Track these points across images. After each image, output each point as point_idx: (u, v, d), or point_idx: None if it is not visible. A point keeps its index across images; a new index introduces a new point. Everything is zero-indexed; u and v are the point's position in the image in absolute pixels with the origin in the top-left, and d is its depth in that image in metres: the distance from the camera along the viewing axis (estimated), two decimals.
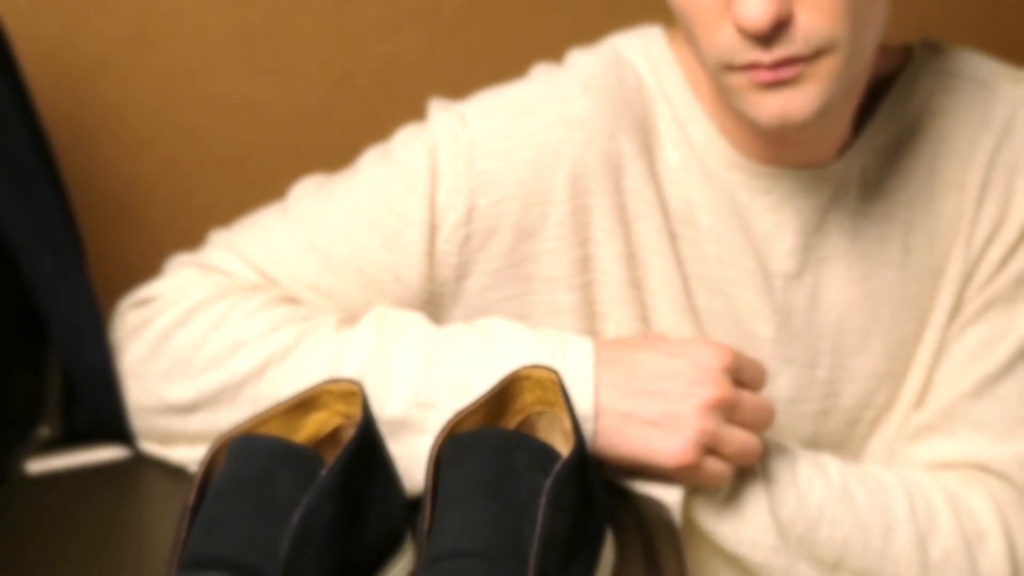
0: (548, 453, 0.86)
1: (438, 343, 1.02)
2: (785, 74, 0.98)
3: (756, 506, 1.03)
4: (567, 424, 0.92)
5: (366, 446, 0.89)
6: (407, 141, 1.11)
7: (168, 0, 1.48)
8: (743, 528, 1.03)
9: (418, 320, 1.04)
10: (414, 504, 0.92)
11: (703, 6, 0.99)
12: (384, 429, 0.98)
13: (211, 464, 0.87)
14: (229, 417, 1.03)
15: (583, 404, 0.98)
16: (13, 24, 1.42)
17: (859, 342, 1.14)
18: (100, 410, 1.07)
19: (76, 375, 1.06)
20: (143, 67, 1.49)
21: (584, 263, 1.10)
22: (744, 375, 1.01)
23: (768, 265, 1.12)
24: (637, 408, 0.98)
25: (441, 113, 1.11)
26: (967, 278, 1.13)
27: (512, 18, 1.58)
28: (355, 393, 0.92)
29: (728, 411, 0.99)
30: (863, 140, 1.12)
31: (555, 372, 0.93)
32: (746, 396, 1.00)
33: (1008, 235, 1.12)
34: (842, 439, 1.16)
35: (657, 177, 1.11)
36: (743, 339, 1.12)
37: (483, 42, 1.57)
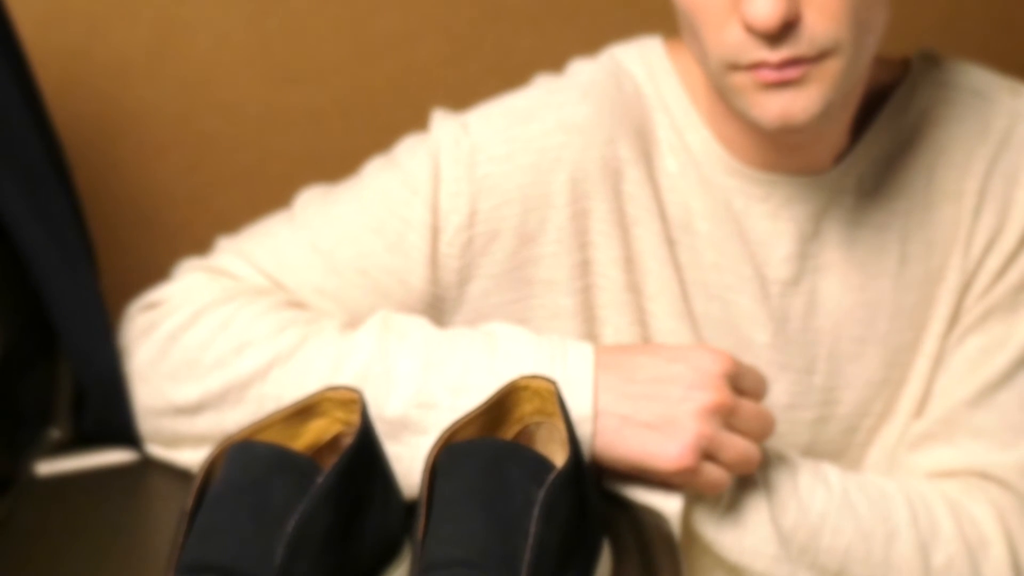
0: (543, 464, 0.86)
1: (440, 345, 1.02)
2: (790, 74, 0.98)
3: (757, 515, 1.03)
4: (565, 435, 0.92)
5: (364, 453, 0.89)
6: (410, 148, 1.12)
7: (187, 9, 1.48)
8: (745, 537, 1.03)
9: (421, 323, 1.05)
10: (413, 507, 0.92)
11: (711, 6, 0.99)
12: (385, 429, 0.99)
13: (210, 470, 0.87)
14: (234, 418, 1.03)
15: (582, 406, 0.98)
16: (35, 31, 1.42)
17: (856, 350, 1.13)
18: (108, 413, 1.07)
19: (84, 379, 1.07)
20: (162, 74, 1.49)
21: (584, 267, 1.11)
22: (744, 383, 1.01)
23: (765, 271, 1.12)
24: (636, 411, 0.98)
25: (443, 121, 1.12)
26: (965, 287, 1.12)
27: (527, 29, 1.58)
28: (355, 401, 0.92)
29: (727, 417, 0.98)
30: (860, 149, 1.12)
31: (553, 383, 0.93)
32: (745, 403, 1.00)
33: (1006, 244, 1.11)
34: (840, 447, 1.15)
35: (655, 183, 1.11)
36: (739, 344, 1.12)
37: (498, 52, 1.57)
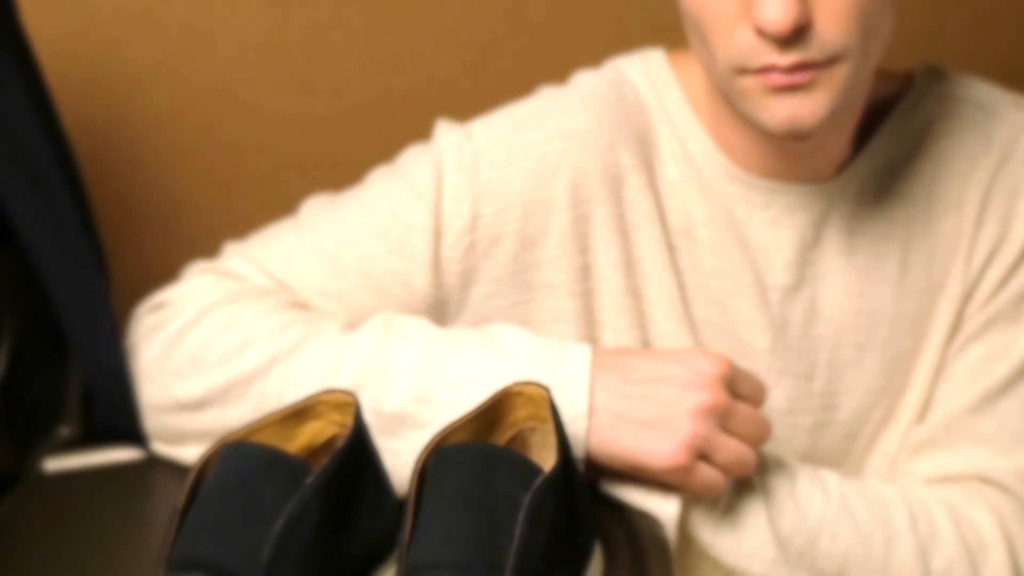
0: (531, 468, 0.86)
1: (439, 343, 1.03)
2: (799, 79, 0.98)
3: (755, 519, 1.03)
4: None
5: (355, 455, 0.89)
6: (414, 156, 1.13)
7: (210, 18, 1.49)
8: (742, 541, 1.03)
9: (422, 323, 1.05)
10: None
11: (721, 8, 0.99)
12: (383, 424, 1.00)
13: (204, 469, 0.88)
14: (236, 414, 1.04)
15: (577, 403, 0.98)
16: (59, 39, 1.45)
17: (855, 356, 1.13)
18: (114, 412, 1.08)
19: (90, 378, 1.08)
20: (184, 82, 1.50)
21: (584, 271, 1.11)
22: (741, 387, 1.00)
23: (765, 278, 1.12)
24: (631, 409, 0.98)
25: (447, 129, 1.13)
26: (967, 297, 1.12)
27: (547, 40, 1.58)
28: (350, 404, 0.92)
29: (722, 418, 0.98)
30: (862, 159, 1.12)
31: (546, 389, 0.93)
32: (741, 407, 1.00)
33: (1008, 254, 1.11)
34: (841, 454, 1.15)
35: (656, 190, 1.12)
36: (739, 350, 1.12)
37: (518, 64, 1.58)
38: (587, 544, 0.91)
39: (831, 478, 1.06)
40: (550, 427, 0.94)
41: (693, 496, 1.01)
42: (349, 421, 0.93)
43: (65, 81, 1.45)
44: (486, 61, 1.58)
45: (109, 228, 1.50)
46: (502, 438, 0.95)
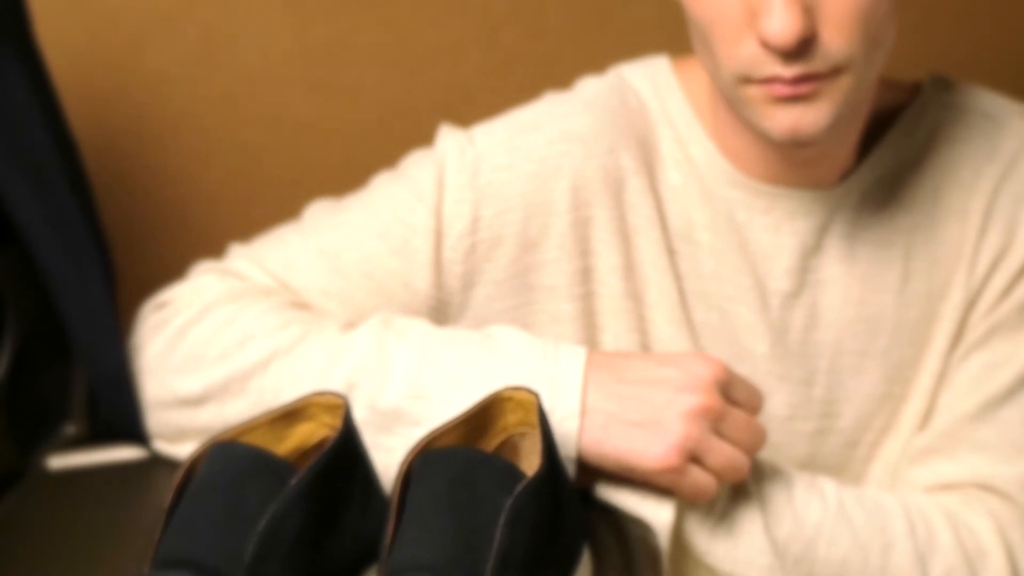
0: (515, 473, 0.86)
1: (436, 341, 1.03)
2: (802, 90, 0.99)
3: (751, 526, 1.02)
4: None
5: (343, 457, 0.89)
6: (417, 160, 1.14)
7: (231, 22, 1.50)
8: (738, 548, 1.02)
9: (421, 323, 1.06)
10: None
11: (726, 18, 0.99)
12: (379, 421, 1.00)
13: (192, 468, 0.89)
14: (235, 410, 1.04)
15: (570, 402, 0.98)
16: (81, 41, 1.46)
17: (856, 364, 1.13)
18: (116, 412, 1.09)
19: (92, 378, 1.09)
20: (206, 85, 1.51)
21: (584, 274, 1.11)
22: (736, 393, 1.00)
23: (765, 283, 1.12)
24: (623, 409, 0.98)
25: (450, 133, 1.14)
26: (970, 305, 1.12)
27: (568, 47, 1.58)
28: (342, 406, 0.93)
29: (715, 422, 0.98)
30: (866, 166, 1.12)
31: (536, 394, 0.93)
32: (736, 412, 0.99)
33: (1013, 263, 1.10)
34: (841, 461, 1.15)
35: (657, 194, 1.12)
36: (738, 354, 1.12)
37: (539, 70, 1.57)
38: (574, 550, 0.91)
39: (828, 485, 1.06)
40: (540, 433, 0.94)
41: (687, 501, 1.00)
42: (340, 423, 0.94)
43: (86, 83, 1.47)
44: (507, 67, 1.58)
45: (129, 230, 1.52)
46: (492, 443, 0.95)
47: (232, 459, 0.87)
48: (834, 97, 0.99)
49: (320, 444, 0.95)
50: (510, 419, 0.94)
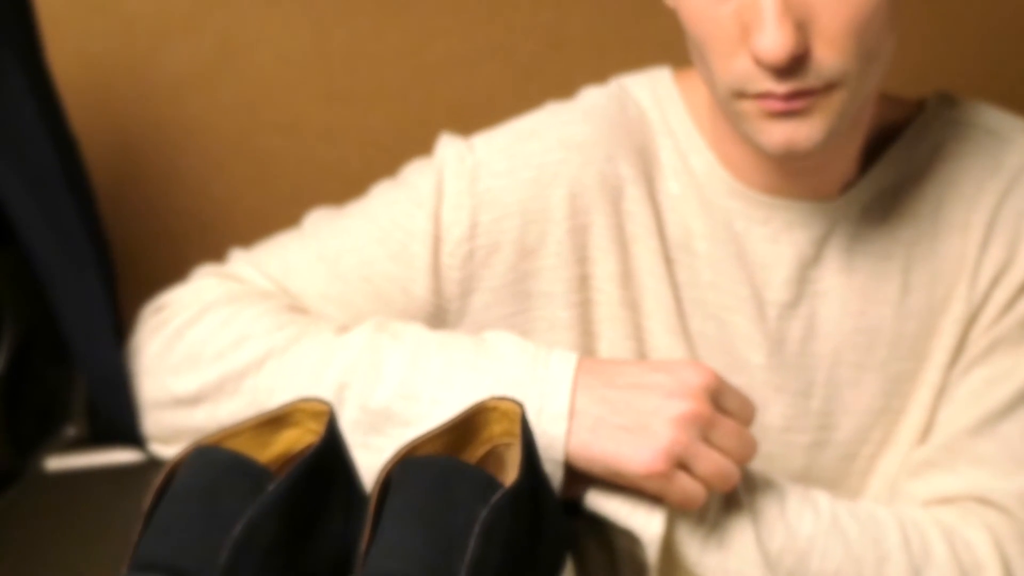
0: (492, 484, 0.86)
1: (429, 343, 1.03)
2: (796, 105, 0.98)
3: (742, 538, 1.01)
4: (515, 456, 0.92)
5: (324, 465, 0.89)
6: (417, 167, 1.15)
7: (249, 28, 1.50)
8: (729, 560, 1.01)
9: (416, 326, 1.06)
10: None
11: (720, 33, 0.99)
12: (370, 421, 1.00)
13: (173, 471, 0.89)
14: (229, 410, 1.05)
15: (559, 404, 0.98)
16: (100, 43, 1.47)
17: (854, 376, 1.12)
18: (113, 414, 1.10)
19: (90, 380, 1.10)
20: (223, 91, 1.51)
21: (582, 281, 1.11)
22: (727, 402, 0.99)
23: (763, 293, 1.11)
24: (612, 413, 0.98)
25: (450, 141, 1.14)
26: (971, 319, 1.11)
27: (590, 57, 1.58)
28: (327, 412, 0.94)
29: (704, 428, 0.97)
30: (867, 180, 1.11)
31: (520, 405, 0.93)
32: (725, 420, 0.98)
33: (1015, 278, 1.09)
34: (839, 474, 1.14)
35: (656, 203, 1.11)
36: (734, 364, 1.11)
37: (559, 81, 1.56)
38: (555, 562, 0.90)
39: (822, 497, 1.05)
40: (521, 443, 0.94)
41: (676, 509, 1.00)
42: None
43: (104, 88, 1.49)
44: (526, 78, 1.58)
45: (145, 234, 1.53)
46: (477, 453, 0.94)
47: (212, 464, 0.87)
48: (828, 112, 0.99)
49: (305, 451, 0.95)
50: (495, 429, 0.94)
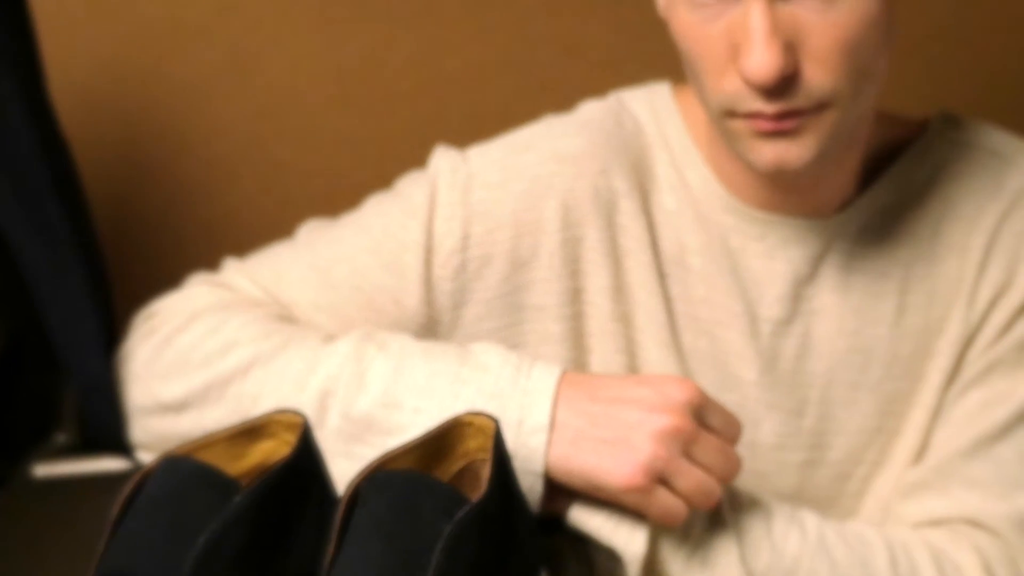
0: (458, 500, 0.85)
1: (415, 352, 1.03)
2: (786, 126, 0.97)
3: (726, 557, 1.00)
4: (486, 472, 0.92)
5: (295, 478, 0.89)
6: (411, 179, 1.14)
7: (263, 35, 1.50)
8: None
9: (403, 337, 1.05)
10: None
11: (710, 51, 0.98)
12: (352, 429, 1.00)
13: (143, 481, 0.89)
14: (214, 417, 1.05)
15: (540, 415, 0.97)
16: (113, 48, 1.48)
17: (848, 395, 1.11)
18: (99, 422, 1.10)
19: (76, 386, 1.10)
20: (236, 98, 1.51)
21: (574, 294, 1.10)
22: (711, 419, 0.98)
23: (756, 309, 1.10)
24: (593, 426, 0.97)
25: (444, 153, 1.14)
26: (968, 341, 1.09)
27: (605, 68, 1.56)
28: (301, 424, 0.93)
29: (686, 444, 0.96)
30: (866, 198, 1.10)
31: (495, 420, 0.92)
32: (708, 436, 0.97)
33: (1013, 300, 1.08)
34: (832, 495, 1.12)
35: (650, 217, 1.11)
36: (727, 381, 1.10)
37: (575, 92, 1.56)
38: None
39: (810, 517, 1.03)
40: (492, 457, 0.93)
41: (658, 526, 0.98)
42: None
43: (115, 92, 1.49)
44: (541, 90, 1.56)
45: (154, 240, 1.54)
46: (452, 468, 0.94)
47: (180, 474, 0.87)
48: (819, 132, 0.98)
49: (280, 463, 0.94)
50: (471, 444, 0.93)
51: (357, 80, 1.54)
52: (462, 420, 0.93)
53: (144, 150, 1.51)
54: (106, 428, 1.10)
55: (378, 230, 1.11)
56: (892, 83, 1.06)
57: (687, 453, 0.96)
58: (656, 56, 1.58)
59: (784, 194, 1.08)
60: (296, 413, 0.93)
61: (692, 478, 0.96)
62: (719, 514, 1.01)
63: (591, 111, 1.14)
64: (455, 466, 0.94)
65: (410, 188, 1.12)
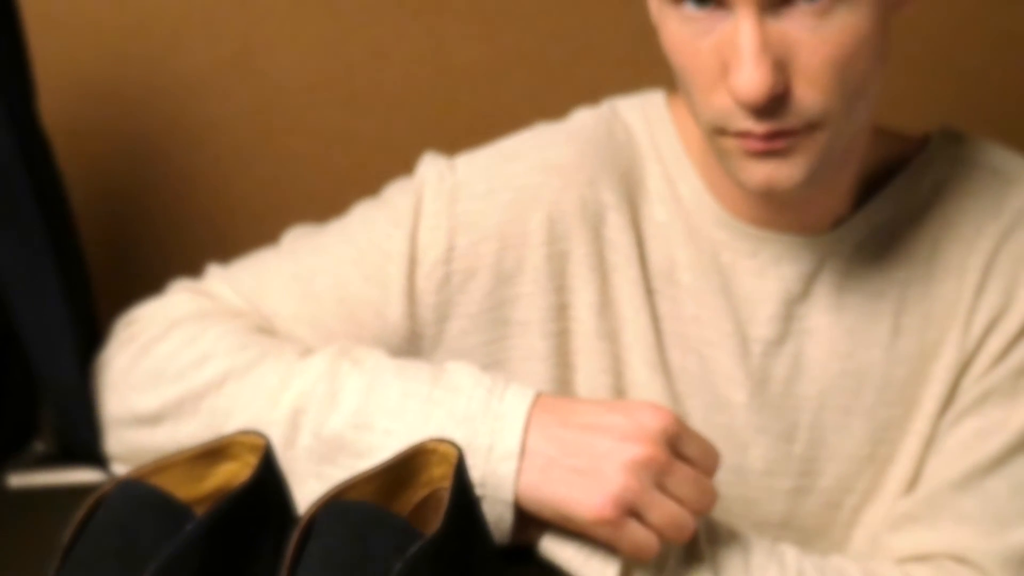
0: (411, 535, 0.83)
1: (388, 371, 1.00)
2: (776, 146, 0.95)
3: None
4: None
5: (254, 504, 0.87)
6: (398, 187, 1.12)
7: (269, 28, 1.48)
8: None
9: (378, 354, 1.03)
10: None
11: (701, 69, 0.95)
12: (322, 450, 0.98)
13: (97, 505, 0.88)
14: (188, 430, 1.03)
15: (510, 442, 0.94)
16: (117, 42, 1.47)
17: (840, 420, 1.08)
18: (71, 432, 1.09)
19: (47, 395, 1.09)
20: (241, 92, 1.49)
21: (559, 310, 1.08)
22: (688, 448, 0.94)
23: (747, 329, 1.07)
24: (564, 454, 0.94)
25: (432, 160, 1.11)
26: (963, 367, 1.06)
27: (616, 68, 1.54)
28: (263, 446, 0.91)
29: (658, 475, 0.93)
30: (861, 216, 1.07)
31: (457, 448, 0.90)
32: (682, 467, 0.94)
33: (1010, 326, 1.05)
34: (822, 524, 1.09)
35: (639, 230, 1.08)
36: (715, 403, 1.07)
37: (585, 92, 1.53)
38: None
39: (790, 551, 1.00)
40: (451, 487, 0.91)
41: (627, 558, 0.96)
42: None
43: (121, 83, 1.48)
44: (552, 88, 1.54)
45: (162, 235, 1.53)
46: (415, 496, 0.91)
47: (133, 499, 0.85)
48: (810, 152, 0.95)
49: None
50: (435, 472, 0.91)
51: (365, 75, 1.52)
52: (426, 447, 0.90)
53: (150, 144, 1.50)
54: (81, 439, 1.08)
55: (363, 240, 1.09)
56: (886, 99, 1.03)
57: (660, 484, 0.93)
58: (664, 57, 1.55)
59: (776, 210, 1.05)
60: (259, 435, 0.91)
61: (665, 511, 0.93)
62: (696, 547, 0.98)
63: (582, 119, 1.11)
64: (418, 494, 0.92)
65: (396, 196, 1.11)
